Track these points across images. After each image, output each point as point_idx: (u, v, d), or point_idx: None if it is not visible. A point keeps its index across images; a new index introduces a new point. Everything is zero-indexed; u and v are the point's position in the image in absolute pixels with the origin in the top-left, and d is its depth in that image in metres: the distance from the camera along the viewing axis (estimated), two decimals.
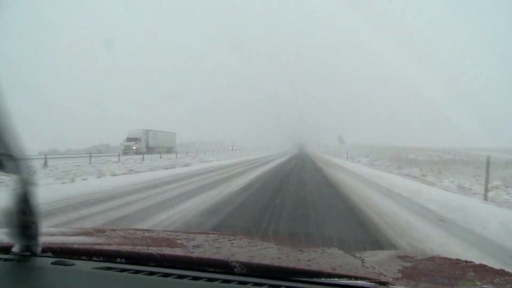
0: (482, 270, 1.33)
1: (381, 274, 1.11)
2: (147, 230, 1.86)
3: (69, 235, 1.63)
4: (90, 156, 19.88)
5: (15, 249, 1.10)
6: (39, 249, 1.14)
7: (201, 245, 1.48)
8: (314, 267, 1.16)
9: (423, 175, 14.87)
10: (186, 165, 18.77)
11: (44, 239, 1.43)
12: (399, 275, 1.19)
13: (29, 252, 1.22)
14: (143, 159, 23.99)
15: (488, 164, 8.77)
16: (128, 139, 39.23)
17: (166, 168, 16.13)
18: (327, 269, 1.11)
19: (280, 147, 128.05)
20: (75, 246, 1.28)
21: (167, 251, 1.35)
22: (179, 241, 1.58)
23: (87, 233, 1.72)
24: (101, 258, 1.17)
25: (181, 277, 1.03)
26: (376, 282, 1.00)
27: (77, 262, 1.14)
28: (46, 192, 6.83)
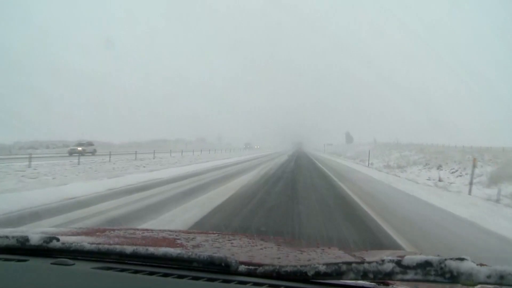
0: None
1: None
2: (146, 230, 1.86)
3: (69, 235, 1.63)
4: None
5: None
6: None
7: (201, 245, 1.48)
8: None
9: None
10: None
11: None
12: None
13: (29, 252, 1.22)
14: None
15: None
16: None
17: None
18: None
19: (274, 147, 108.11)
20: (75, 245, 1.28)
21: (167, 251, 1.34)
22: (178, 241, 1.58)
23: (86, 232, 1.72)
24: (101, 258, 1.17)
25: (181, 277, 1.03)
26: (376, 282, 0.99)
27: (77, 262, 1.15)
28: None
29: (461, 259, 0.79)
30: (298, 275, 1.05)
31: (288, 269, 1.09)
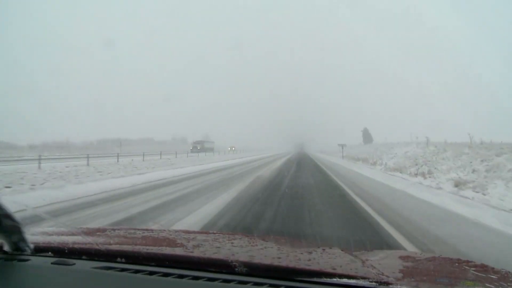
0: (483, 270, 1.32)
1: (381, 274, 1.11)
2: (147, 229, 1.86)
3: (69, 235, 1.63)
4: None
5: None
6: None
7: (201, 244, 1.48)
8: (314, 266, 1.16)
9: None
10: None
11: (44, 239, 1.44)
12: (400, 275, 1.19)
13: (29, 252, 1.22)
14: None
15: None
16: None
17: None
18: (327, 268, 1.10)
19: (267, 149, 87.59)
20: (75, 245, 1.28)
21: (167, 250, 1.35)
22: (179, 241, 1.58)
23: (87, 232, 1.72)
24: (101, 258, 1.17)
25: (181, 276, 1.03)
26: (377, 282, 1.00)
27: (77, 261, 1.15)
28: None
29: None
30: (298, 275, 1.05)
31: (288, 269, 1.09)
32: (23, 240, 1.21)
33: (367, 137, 67.15)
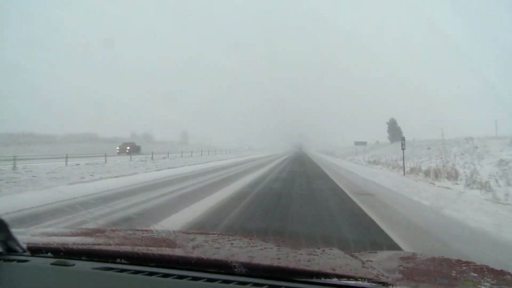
0: (483, 271, 1.32)
1: (381, 274, 1.11)
2: (146, 230, 1.86)
3: (69, 236, 1.63)
4: None
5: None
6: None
7: (201, 245, 1.48)
8: (313, 267, 1.16)
9: None
10: None
11: (43, 240, 1.44)
12: (399, 276, 1.19)
13: (29, 252, 1.22)
14: None
15: None
16: None
17: None
18: (327, 269, 1.10)
19: (259, 150, 73.16)
20: (75, 246, 1.28)
21: (166, 251, 1.35)
22: (178, 242, 1.58)
23: (87, 233, 1.72)
24: (101, 259, 1.17)
25: (180, 277, 1.03)
26: (376, 283, 1.00)
27: (77, 262, 1.15)
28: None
29: None
30: (298, 276, 1.05)
31: (288, 269, 1.09)
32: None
33: (394, 132, 43.89)
